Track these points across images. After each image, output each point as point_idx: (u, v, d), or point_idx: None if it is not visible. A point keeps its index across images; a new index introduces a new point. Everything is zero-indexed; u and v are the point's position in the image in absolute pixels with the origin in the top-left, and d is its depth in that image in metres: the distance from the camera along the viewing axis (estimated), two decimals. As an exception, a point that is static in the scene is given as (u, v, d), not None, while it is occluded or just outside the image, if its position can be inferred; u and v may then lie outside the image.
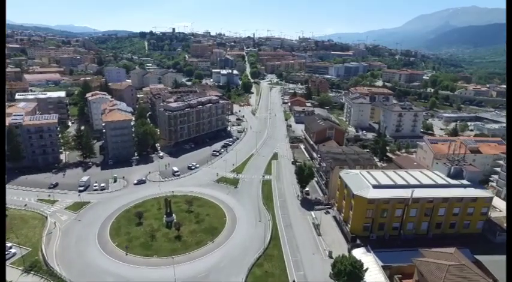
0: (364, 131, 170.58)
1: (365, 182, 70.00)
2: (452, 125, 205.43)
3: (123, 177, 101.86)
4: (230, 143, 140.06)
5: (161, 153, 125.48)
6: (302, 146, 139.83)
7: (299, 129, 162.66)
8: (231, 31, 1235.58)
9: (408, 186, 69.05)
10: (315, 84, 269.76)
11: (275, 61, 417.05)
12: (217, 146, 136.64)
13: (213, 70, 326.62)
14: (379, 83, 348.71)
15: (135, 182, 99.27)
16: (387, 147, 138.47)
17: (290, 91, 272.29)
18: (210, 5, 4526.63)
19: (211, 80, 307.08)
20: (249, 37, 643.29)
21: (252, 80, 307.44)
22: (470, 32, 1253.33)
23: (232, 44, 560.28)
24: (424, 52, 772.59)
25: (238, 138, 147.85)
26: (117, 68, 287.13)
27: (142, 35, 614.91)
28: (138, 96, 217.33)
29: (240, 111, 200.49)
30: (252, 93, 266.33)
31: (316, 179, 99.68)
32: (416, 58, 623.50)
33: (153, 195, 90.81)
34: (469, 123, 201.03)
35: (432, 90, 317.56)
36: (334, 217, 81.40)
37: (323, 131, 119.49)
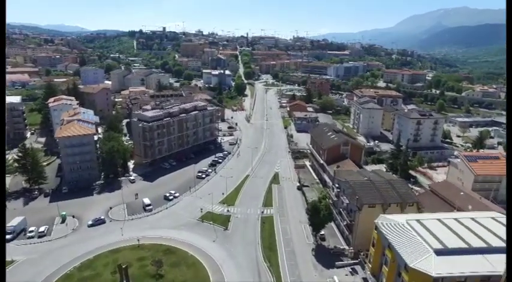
0: (377, 142, 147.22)
1: (420, 243, 45.93)
2: (470, 130, 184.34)
3: (73, 216, 75.81)
4: (220, 160, 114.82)
5: (133, 176, 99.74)
6: (307, 163, 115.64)
7: (302, 140, 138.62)
8: (224, 30, 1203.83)
9: (490, 249, 45.13)
10: (314, 85, 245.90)
11: (270, 61, 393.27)
12: (203, 163, 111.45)
13: (204, 70, 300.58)
14: (381, 83, 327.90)
15: (90, 222, 73.55)
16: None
17: (287, 93, 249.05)
18: (204, 5, 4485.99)
19: (202, 81, 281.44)
20: (242, 36, 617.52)
21: (245, 81, 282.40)
22: (462, 32, 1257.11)
23: (225, 43, 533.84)
24: (419, 52, 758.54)
25: (229, 153, 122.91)
26: (95, 68, 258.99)
27: (132, 34, 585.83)
28: (117, 100, 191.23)
29: (232, 117, 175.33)
30: (246, 95, 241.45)
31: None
32: (413, 58, 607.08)
33: (111, 245, 65.36)
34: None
35: (438, 91, 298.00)
36: (365, 281, 57.32)
37: (336, 147, 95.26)
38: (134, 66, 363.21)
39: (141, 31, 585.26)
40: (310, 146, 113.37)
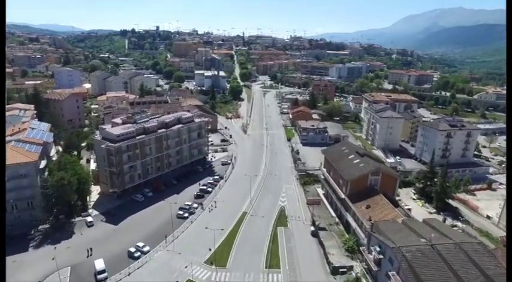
0: (398, 158, 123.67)
1: None
2: (499, 140, 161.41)
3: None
4: (209, 188, 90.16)
5: (91, 217, 74.57)
6: (320, 191, 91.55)
7: (310, 157, 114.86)
8: (220, 29, 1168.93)
9: None
10: (318, 88, 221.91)
11: (267, 61, 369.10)
12: (188, 194, 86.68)
13: (196, 72, 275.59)
14: (386, 85, 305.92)
15: (6, 308, 48.85)
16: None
17: (288, 96, 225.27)
18: (200, 4, 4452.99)
19: (194, 83, 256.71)
20: (238, 35, 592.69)
21: (242, 83, 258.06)
22: (458, 32, 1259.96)
23: (220, 42, 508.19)
24: (417, 52, 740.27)
25: (222, 177, 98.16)
26: (72, 69, 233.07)
27: (124, 33, 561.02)
28: (93, 107, 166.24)
29: (226, 127, 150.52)
30: (242, 99, 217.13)
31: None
32: (413, 58, 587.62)
33: None
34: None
35: (448, 93, 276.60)
36: None
37: (363, 178, 71.37)
38: (124, 66, 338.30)
39: (133, 30, 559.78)
40: (324, 169, 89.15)
